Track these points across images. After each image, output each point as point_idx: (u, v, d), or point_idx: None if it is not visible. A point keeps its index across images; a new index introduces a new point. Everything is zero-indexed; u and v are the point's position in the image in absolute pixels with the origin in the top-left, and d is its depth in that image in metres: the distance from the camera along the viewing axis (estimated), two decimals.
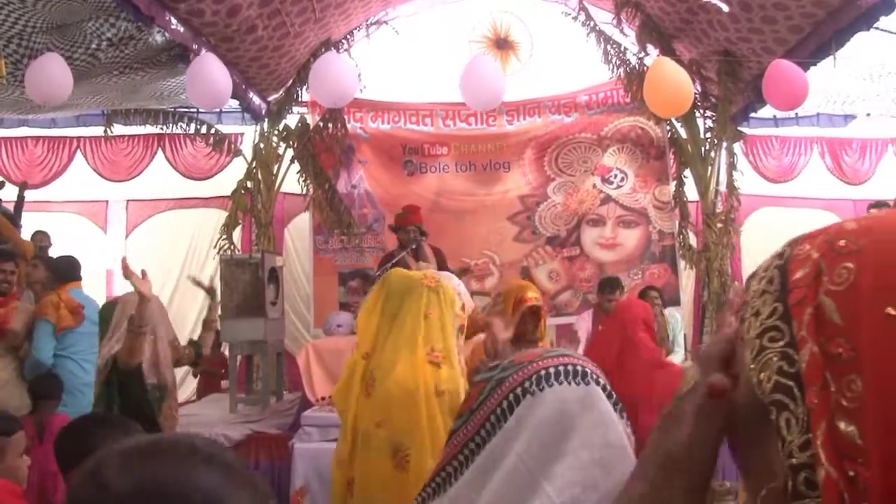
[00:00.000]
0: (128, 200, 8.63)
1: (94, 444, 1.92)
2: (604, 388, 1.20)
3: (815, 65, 6.23)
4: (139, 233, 8.63)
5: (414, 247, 5.93)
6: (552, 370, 1.19)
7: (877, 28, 5.59)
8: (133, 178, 8.53)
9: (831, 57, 6.07)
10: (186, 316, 8.09)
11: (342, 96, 6.37)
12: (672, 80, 6.34)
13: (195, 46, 5.93)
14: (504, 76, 6.76)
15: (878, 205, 7.59)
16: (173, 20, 5.54)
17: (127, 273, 3.40)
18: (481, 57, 6.72)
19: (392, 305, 3.13)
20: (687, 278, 8.16)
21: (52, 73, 5.19)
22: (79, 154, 8.52)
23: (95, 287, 7.89)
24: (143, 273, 3.46)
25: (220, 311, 6.19)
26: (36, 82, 5.22)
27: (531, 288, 3.98)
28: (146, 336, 3.47)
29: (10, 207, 6.86)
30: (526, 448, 1.16)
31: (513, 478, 1.15)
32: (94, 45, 5.64)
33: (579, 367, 1.20)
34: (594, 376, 1.21)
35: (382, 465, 2.93)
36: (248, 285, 6.21)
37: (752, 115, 8.03)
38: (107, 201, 8.66)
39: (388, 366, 3.01)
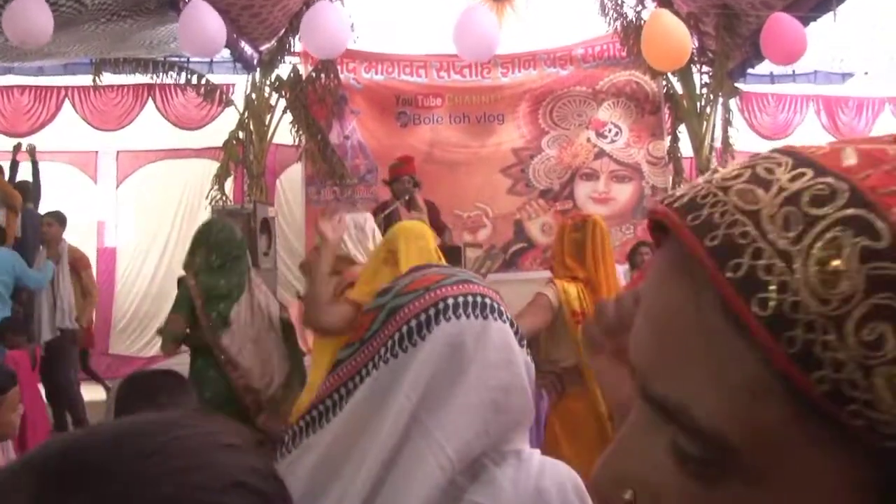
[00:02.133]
0: (118, 151, 8.53)
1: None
2: (505, 320, 1.10)
3: (815, 20, 6.16)
4: (130, 184, 8.55)
5: (407, 198, 5.89)
6: (451, 301, 1.07)
7: None
8: (123, 127, 8.41)
9: (831, 12, 6.01)
10: (178, 270, 8.05)
11: (334, 47, 6.28)
12: (670, 32, 6.28)
13: None
14: (498, 28, 6.68)
15: None
16: None
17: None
18: (475, 8, 6.62)
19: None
20: None
21: (31, 13, 5.06)
22: (67, 103, 8.38)
23: (86, 239, 7.87)
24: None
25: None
26: (14, 23, 5.08)
27: None
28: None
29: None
30: (414, 387, 1.04)
31: (399, 418, 1.03)
32: None
33: (479, 298, 1.09)
34: (496, 307, 1.10)
35: None
36: None
37: (749, 71, 7.97)
38: (96, 151, 8.56)
39: None
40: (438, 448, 1.01)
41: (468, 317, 1.06)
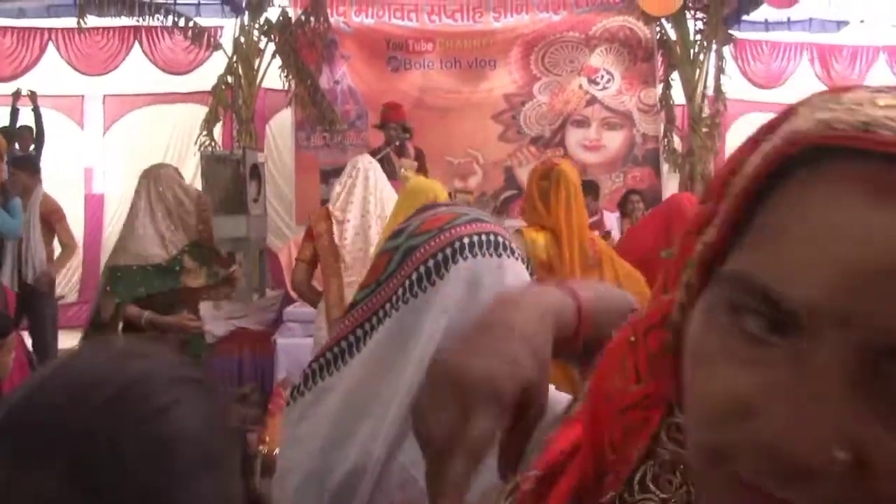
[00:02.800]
0: (105, 95, 8.42)
1: None
2: (517, 258, 1.12)
3: None
4: (117, 129, 8.46)
5: (398, 143, 5.89)
6: (466, 240, 1.08)
7: None
8: (109, 72, 8.29)
9: None
10: None
11: None
12: None
13: None
14: None
15: None
16: None
17: None
18: None
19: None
20: (670, 182, 8.17)
21: None
22: (51, 46, 8.23)
23: (73, 185, 7.82)
24: None
25: None
26: None
27: None
28: None
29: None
30: (436, 327, 1.06)
31: (422, 355, 1.04)
32: None
33: (493, 237, 1.10)
34: (508, 245, 1.11)
35: None
36: (229, 182, 6.16)
37: (744, 18, 7.89)
38: (82, 96, 8.44)
39: None
40: None
41: (483, 255, 1.08)
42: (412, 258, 1.09)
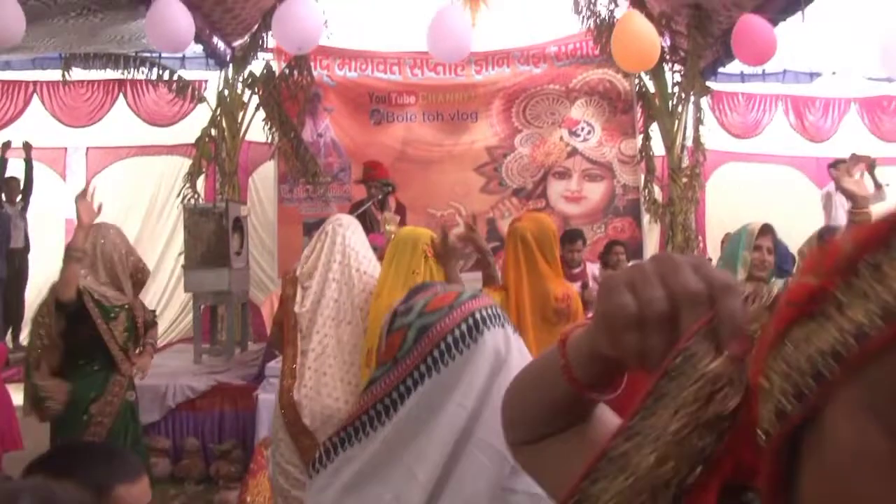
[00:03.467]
0: (88, 147, 8.44)
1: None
2: (510, 326, 1.23)
3: (784, 20, 6.23)
4: (100, 180, 8.38)
5: (380, 198, 5.93)
6: (478, 315, 1.18)
7: None
8: (93, 123, 8.32)
9: (800, 13, 6.08)
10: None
11: (306, 41, 6.24)
12: (640, 34, 6.33)
13: None
14: (471, 29, 6.67)
15: (837, 164, 7.71)
16: None
17: (80, 196, 3.43)
18: (448, 9, 6.60)
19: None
20: (651, 232, 8.23)
21: (3, 13, 4.98)
22: (35, 98, 8.27)
23: (54, 237, 7.77)
24: (99, 208, 3.46)
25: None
26: None
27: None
28: (80, 264, 3.40)
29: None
30: (466, 396, 1.15)
31: (453, 422, 1.14)
32: None
33: (493, 309, 1.21)
34: (502, 315, 1.22)
35: None
36: (212, 235, 6.15)
37: (720, 70, 8.04)
38: (66, 148, 8.46)
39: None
40: (487, 446, 1.13)
41: (494, 327, 1.18)
42: (429, 335, 1.17)
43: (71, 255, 3.34)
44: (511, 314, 2.89)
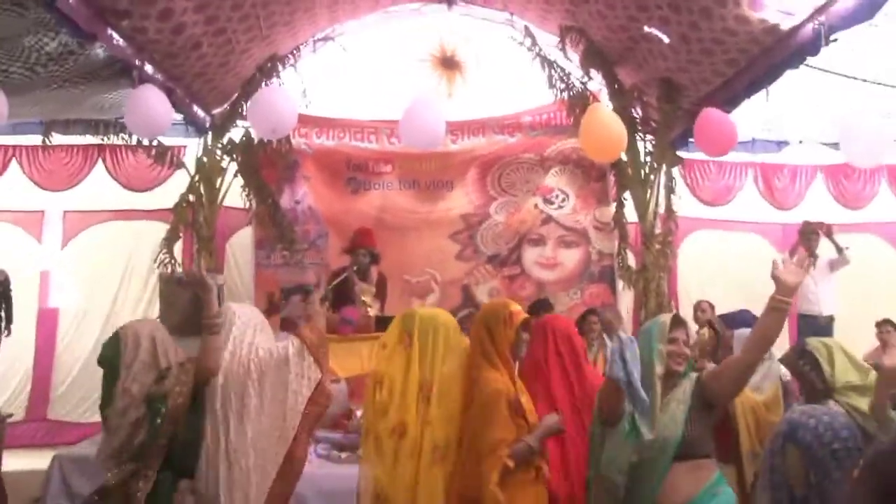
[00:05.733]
0: (65, 211, 8.40)
1: None
2: None
3: (749, 98, 6.45)
4: (76, 244, 8.38)
5: (356, 268, 6.01)
6: None
7: (806, 65, 5.80)
8: (72, 188, 8.31)
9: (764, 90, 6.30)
10: None
11: (280, 126, 6.38)
12: (606, 126, 6.58)
13: (138, 62, 5.86)
14: (443, 121, 6.84)
15: (806, 228, 7.89)
16: (115, 36, 5.47)
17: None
18: (421, 101, 6.74)
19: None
20: (624, 298, 8.32)
21: None
22: (14, 163, 8.27)
23: (27, 296, 7.70)
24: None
25: None
26: None
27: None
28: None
29: None
30: None
31: None
32: (32, 60, 5.49)
33: None
34: None
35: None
36: (187, 304, 6.13)
37: (691, 139, 8.21)
38: (43, 211, 8.41)
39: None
40: None
41: None
42: None
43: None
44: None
